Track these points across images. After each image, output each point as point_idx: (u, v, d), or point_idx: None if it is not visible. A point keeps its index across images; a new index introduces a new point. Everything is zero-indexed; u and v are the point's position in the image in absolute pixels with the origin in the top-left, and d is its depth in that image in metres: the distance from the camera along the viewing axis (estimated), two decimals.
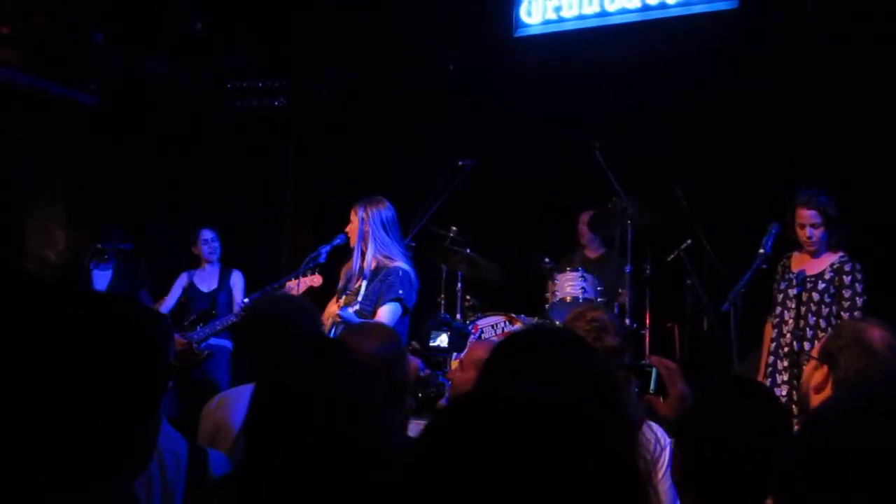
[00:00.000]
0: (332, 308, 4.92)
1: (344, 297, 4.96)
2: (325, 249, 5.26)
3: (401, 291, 4.77)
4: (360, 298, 4.81)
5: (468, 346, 4.88)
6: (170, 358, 1.64)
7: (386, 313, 4.75)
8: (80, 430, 1.45)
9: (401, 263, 4.89)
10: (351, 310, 4.80)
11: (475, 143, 7.20)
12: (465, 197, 6.69)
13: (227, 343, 6.79)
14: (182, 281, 7.28)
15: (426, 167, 6.82)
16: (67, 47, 7.28)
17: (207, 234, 7.33)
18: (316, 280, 5.33)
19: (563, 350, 2.06)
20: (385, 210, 4.94)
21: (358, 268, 4.96)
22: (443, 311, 6.71)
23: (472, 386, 2.45)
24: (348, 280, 4.96)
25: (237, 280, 7.33)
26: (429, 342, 5.82)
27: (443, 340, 5.64)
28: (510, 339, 2.15)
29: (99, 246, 6.78)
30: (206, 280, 7.31)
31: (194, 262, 7.55)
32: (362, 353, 2.58)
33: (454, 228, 6.96)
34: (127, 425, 1.50)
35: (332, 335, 4.53)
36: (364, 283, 4.85)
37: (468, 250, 6.85)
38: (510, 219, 7.97)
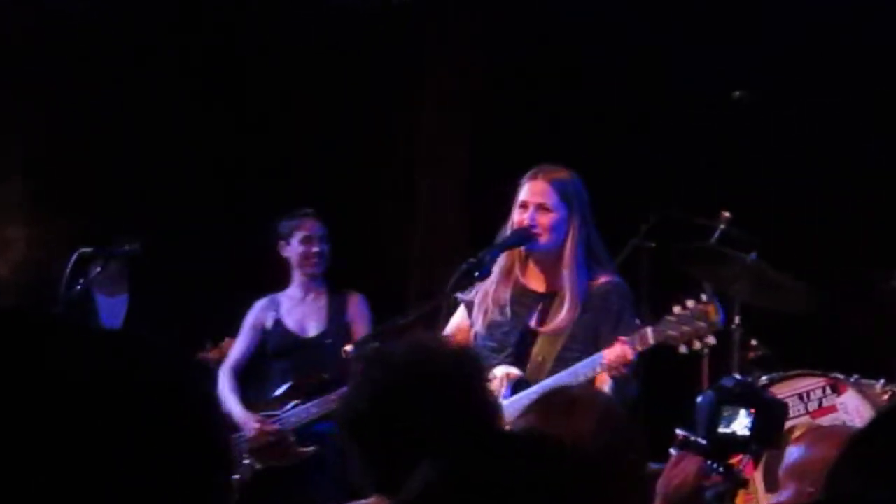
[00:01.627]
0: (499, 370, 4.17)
1: (512, 339, 4.23)
2: (493, 254, 4.19)
3: (638, 322, 4.19)
4: (561, 345, 4.15)
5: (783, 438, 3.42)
6: (230, 457, 1.20)
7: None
8: None
9: (616, 278, 4.29)
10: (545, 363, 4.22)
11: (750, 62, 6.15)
12: (744, 158, 6.17)
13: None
14: (258, 315, 5.46)
15: (652, 110, 6.31)
16: None
17: (313, 227, 5.39)
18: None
19: None
20: (584, 189, 4.26)
21: (547, 287, 4.21)
22: (735, 373, 5.24)
23: None
24: (510, 304, 4.20)
25: (359, 310, 5.49)
26: (715, 425, 3.76)
27: (741, 425, 3.69)
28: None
29: (89, 250, 5.08)
30: (305, 313, 5.47)
31: (276, 280, 5.50)
32: (571, 440, 2.08)
33: (726, 215, 5.46)
34: None
35: (512, 412, 3.58)
36: (568, 306, 4.13)
37: (753, 256, 5.34)
38: (836, 200, 6.45)
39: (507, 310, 4.18)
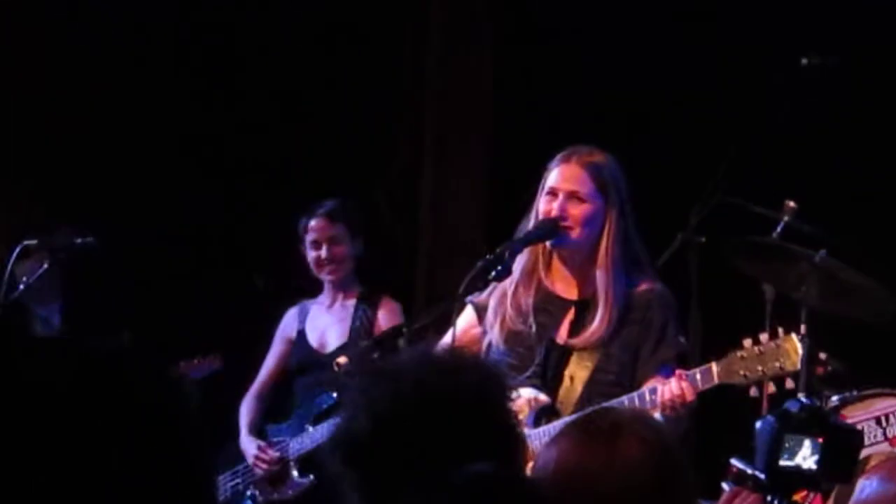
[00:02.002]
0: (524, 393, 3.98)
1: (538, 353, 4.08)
2: (514, 251, 3.98)
3: (683, 339, 4.07)
4: (594, 364, 3.99)
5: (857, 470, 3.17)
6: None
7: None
8: None
9: (658, 285, 4.10)
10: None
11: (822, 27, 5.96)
12: (814, 138, 5.94)
13: None
14: (286, 326, 5.36)
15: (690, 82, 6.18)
16: None
17: (321, 229, 5.20)
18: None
19: None
20: (623, 177, 4.10)
21: (578, 293, 4.06)
22: (801, 394, 4.88)
23: None
24: (533, 312, 4.01)
25: (389, 322, 5.21)
26: (776, 457, 3.39)
27: (806, 456, 3.30)
28: None
29: (34, 243, 5.04)
30: (329, 323, 5.29)
31: (310, 287, 5.39)
32: (616, 470, 2.25)
33: (792, 206, 5.21)
34: None
35: (535, 433, 3.84)
36: (602, 315, 3.95)
37: (823, 254, 5.08)
38: None
39: (531, 319, 4.03)
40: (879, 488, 2.84)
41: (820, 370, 5.11)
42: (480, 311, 4.07)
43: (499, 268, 3.95)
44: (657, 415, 3.77)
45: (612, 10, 6.38)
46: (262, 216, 6.11)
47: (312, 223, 5.11)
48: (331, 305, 5.25)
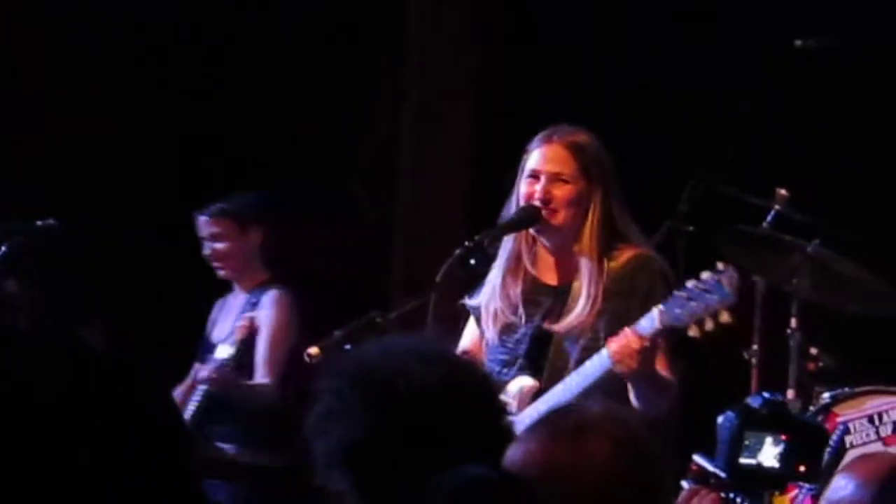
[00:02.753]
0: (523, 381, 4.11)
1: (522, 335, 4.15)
2: (495, 237, 4.15)
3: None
4: (582, 346, 3.98)
5: (834, 470, 3.38)
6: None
7: (662, 357, 3.92)
8: None
9: (642, 249, 4.10)
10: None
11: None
12: (807, 124, 5.92)
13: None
14: (210, 318, 5.65)
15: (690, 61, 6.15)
16: None
17: (202, 228, 5.47)
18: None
19: None
20: (607, 156, 4.14)
21: (560, 278, 4.07)
22: (791, 388, 5.15)
23: None
24: (521, 303, 4.06)
25: (265, 310, 5.34)
26: (737, 455, 3.46)
27: (769, 455, 3.40)
28: None
29: None
30: (222, 317, 5.51)
31: None
32: (582, 471, 2.25)
33: (783, 194, 5.24)
34: None
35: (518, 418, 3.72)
36: (585, 299, 3.96)
37: (816, 244, 5.06)
38: None
39: (520, 310, 4.08)
40: (855, 494, 2.79)
41: (811, 366, 5.11)
42: (478, 314, 4.13)
43: (480, 256, 3.96)
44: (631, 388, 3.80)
45: None
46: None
47: (198, 222, 5.37)
48: (234, 298, 5.47)
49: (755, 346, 5.31)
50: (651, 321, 3.80)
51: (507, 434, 2.40)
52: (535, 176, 3.95)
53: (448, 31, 6.76)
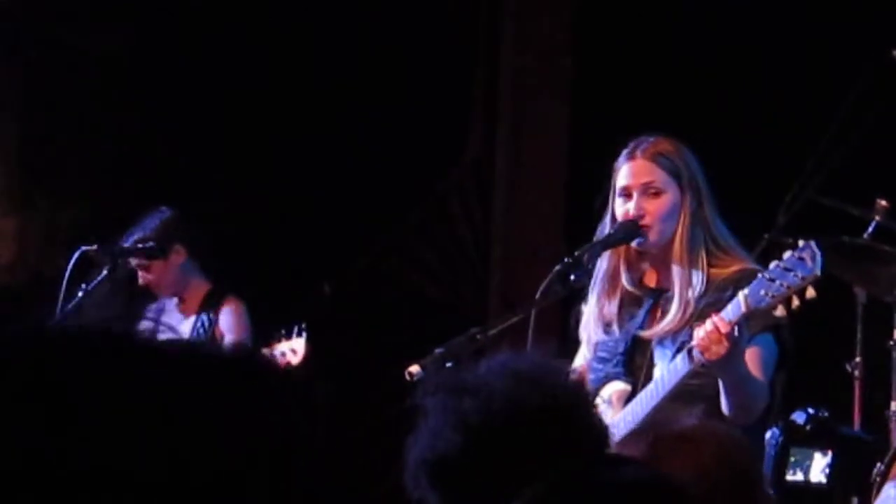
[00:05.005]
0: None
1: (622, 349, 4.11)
2: (594, 253, 4.12)
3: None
4: (673, 353, 3.89)
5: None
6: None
7: (757, 360, 3.83)
8: None
9: (758, 267, 3.94)
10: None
11: None
12: None
13: None
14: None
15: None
16: None
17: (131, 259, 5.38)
18: None
19: None
20: (694, 159, 4.10)
21: (658, 282, 4.04)
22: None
23: None
24: (618, 312, 4.06)
25: (232, 318, 5.33)
26: (783, 473, 4.04)
27: (816, 470, 3.90)
28: None
29: (93, 248, 5.01)
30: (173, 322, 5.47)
31: None
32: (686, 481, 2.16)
33: (883, 203, 5.23)
34: None
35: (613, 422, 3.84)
36: (678, 305, 3.90)
37: None
38: None
39: (615, 326, 4.06)
40: None
41: None
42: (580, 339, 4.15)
43: (579, 272, 3.96)
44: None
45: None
46: (325, 219, 6.23)
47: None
48: (178, 308, 5.38)
49: (858, 359, 5.24)
50: (737, 306, 3.76)
51: (607, 448, 2.34)
52: (626, 194, 3.97)
53: (539, 47, 6.73)
